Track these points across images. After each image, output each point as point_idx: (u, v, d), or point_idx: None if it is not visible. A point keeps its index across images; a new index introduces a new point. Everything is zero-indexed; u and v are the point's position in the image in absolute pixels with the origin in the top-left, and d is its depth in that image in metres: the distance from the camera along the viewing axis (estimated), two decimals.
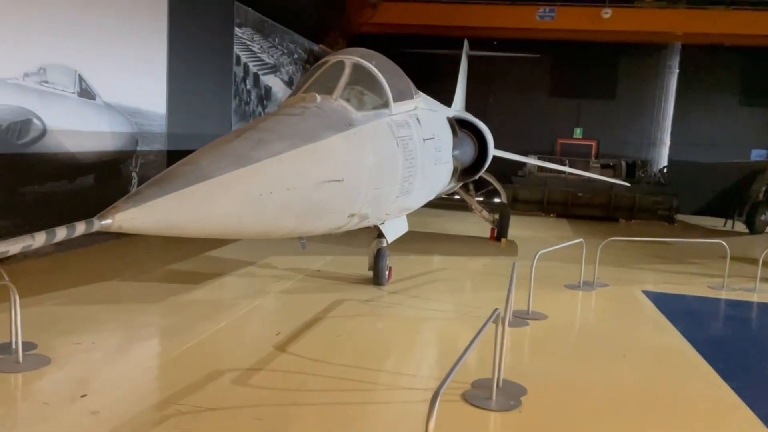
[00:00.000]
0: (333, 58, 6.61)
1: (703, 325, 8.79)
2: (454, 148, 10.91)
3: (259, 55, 17.99)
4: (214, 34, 15.29)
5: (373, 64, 6.71)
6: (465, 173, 11.56)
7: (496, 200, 15.92)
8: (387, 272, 9.58)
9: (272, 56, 18.93)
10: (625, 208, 20.68)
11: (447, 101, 19.64)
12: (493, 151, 12.07)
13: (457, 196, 15.68)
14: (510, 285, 7.87)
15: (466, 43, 21.36)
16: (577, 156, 25.82)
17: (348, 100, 5.99)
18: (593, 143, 27.38)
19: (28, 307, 7.35)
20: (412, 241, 14.33)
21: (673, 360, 6.95)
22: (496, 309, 5.24)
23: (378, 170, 5.81)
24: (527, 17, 22.93)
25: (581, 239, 10.48)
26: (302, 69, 21.31)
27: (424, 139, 7.68)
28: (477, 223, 15.45)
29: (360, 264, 10.18)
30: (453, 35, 21.94)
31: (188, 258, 10.64)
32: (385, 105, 6.61)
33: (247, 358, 6.12)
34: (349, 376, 5.76)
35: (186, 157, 3.90)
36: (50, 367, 5.59)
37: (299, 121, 4.98)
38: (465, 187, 15.50)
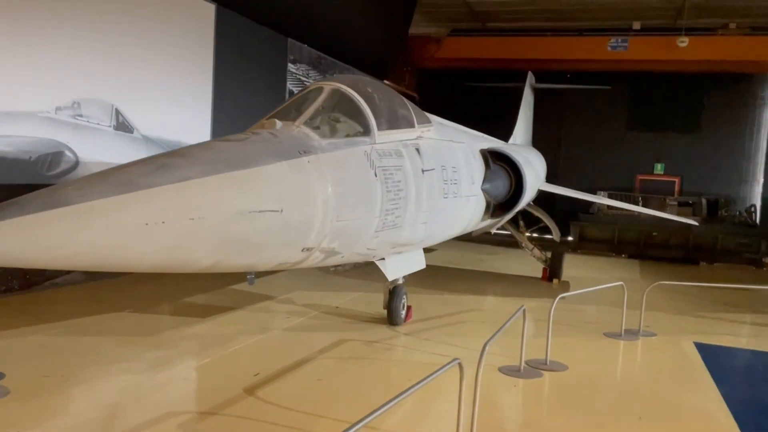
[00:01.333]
0: (314, 85, 6.32)
1: (753, 387, 7.61)
2: (485, 181, 10.29)
3: None
4: (265, 69, 15.50)
5: (356, 90, 6.36)
6: (501, 208, 10.86)
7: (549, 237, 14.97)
8: (404, 312, 9.05)
9: None
10: (706, 249, 19.00)
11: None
12: (532, 186, 11.32)
13: (508, 231, 14.90)
14: (523, 330, 7.19)
15: (529, 75, 20.68)
16: (658, 193, 24.13)
17: (316, 128, 5.65)
18: (676, 179, 25.51)
19: (25, 336, 7.41)
20: (453, 278, 13.76)
21: (699, 426, 5.96)
22: (455, 359, 4.65)
23: (341, 201, 5.39)
24: (598, 48, 21.92)
25: (621, 282, 9.52)
26: None
27: (423, 170, 7.18)
28: (536, 262, 14.55)
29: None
30: (520, 68, 21.28)
31: (211, 290, 10.54)
32: (366, 133, 6.21)
33: (208, 400, 5.78)
34: (308, 428, 5.27)
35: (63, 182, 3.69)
36: (5, 399, 5.47)
37: (236, 147, 4.68)
38: (515, 223, 14.70)
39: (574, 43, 22.27)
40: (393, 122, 6.87)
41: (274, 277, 11.69)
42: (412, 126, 7.37)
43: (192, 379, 6.38)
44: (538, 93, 22.21)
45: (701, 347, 9.02)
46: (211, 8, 13.27)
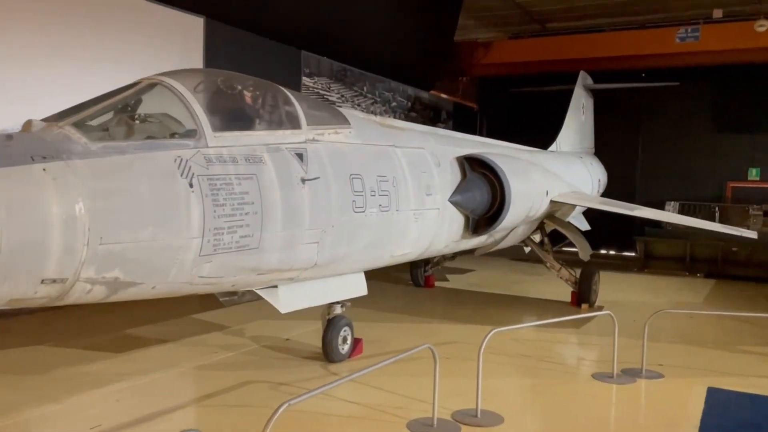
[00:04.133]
0: (144, 80, 5.31)
1: None
2: (456, 192, 8.84)
3: (339, 104, 17.24)
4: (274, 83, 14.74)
5: (184, 84, 5.28)
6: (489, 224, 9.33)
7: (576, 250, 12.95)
8: (346, 346, 7.81)
9: (358, 105, 18.08)
10: None
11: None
12: (525, 196, 9.67)
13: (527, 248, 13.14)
14: (434, 372, 5.74)
15: (581, 75, 18.65)
16: (750, 202, 20.92)
17: (92, 128, 4.65)
18: None
19: None
20: (460, 304, 12.24)
21: None
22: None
23: (108, 219, 4.32)
24: (665, 41, 19.40)
25: (608, 312, 7.73)
26: (404, 116, 20.19)
27: (303, 180, 5.95)
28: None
29: (363, 332, 8.46)
30: (576, 69, 19.23)
31: (163, 321, 9.75)
32: (190, 135, 5.11)
33: None
34: None
35: None
36: None
37: None
38: (538, 240, 12.90)
39: (637, 37, 19.91)
40: (250, 123, 5.74)
41: (245, 306, 10.70)
42: (295, 127, 6.18)
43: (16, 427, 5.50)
44: (605, 96, 20.04)
45: (715, 393, 7.04)
46: (199, 21, 12.76)
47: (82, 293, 4.41)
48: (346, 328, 7.81)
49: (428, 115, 22.00)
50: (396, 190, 7.42)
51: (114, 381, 6.85)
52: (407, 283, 14.12)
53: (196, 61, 12.69)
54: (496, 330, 6.38)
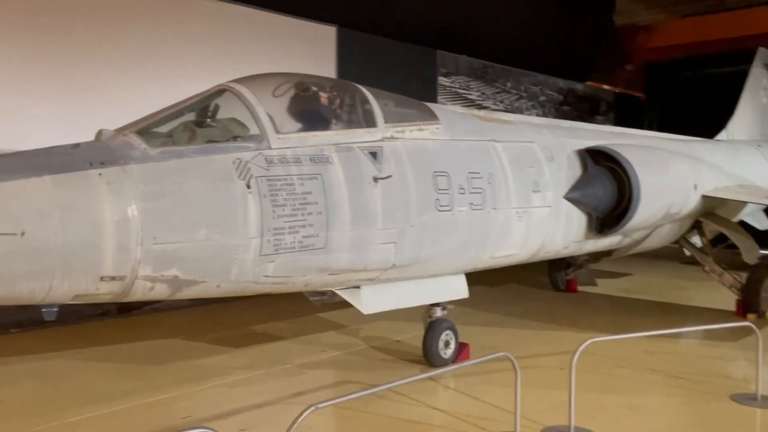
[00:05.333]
0: (215, 87, 5.53)
1: None
2: (573, 188, 8.16)
3: (479, 102, 16.87)
4: (408, 85, 14.77)
5: (250, 88, 5.38)
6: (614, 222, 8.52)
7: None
8: (449, 351, 7.54)
9: (500, 102, 17.54)
10: None
11: None
12: (659, 189, 8.64)
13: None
14: (516, 383, 5.29)
15: (760, 52, 16.31)
16: None
17: (155, 135, 4.88)
18: None
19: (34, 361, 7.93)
20: (602, 311, 11.35)
21: None
22: None
23: (160, 220, 4.51)
24: None
25: (748, 323, 6.62)
26: (555, 111, 19.22)
27: (375, 179, 5.79)
28: None
29: (478, 337, 8.31)
30: (753, 46, 16.92)
31: (287, 318, 10.17)
32: (253, 138, 5.19)
33: None
34: None
35: None
36: None
37: None
38: (694, 240, 11.48)
39: None
40: (318, 124, 5.72)
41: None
42: (370, 126, 6.06)
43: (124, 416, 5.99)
44: None
45: None
46: (332, 30, 13.19)
47: (144, 290, 4.70)
48: (449, 331, 7.51)
49: (584, 108, 20.69)
50: (492, 187, 7.00)
51: (220, 375, 7.23)
52: (548, 288, 13.35)
53: (329, 69, 13.13)
54: (593, 340, 5.73)
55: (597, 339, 5.79)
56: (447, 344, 7.54)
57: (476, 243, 6.97)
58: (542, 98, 19.06)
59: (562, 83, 19.75)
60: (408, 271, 6.46)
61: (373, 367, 7.60)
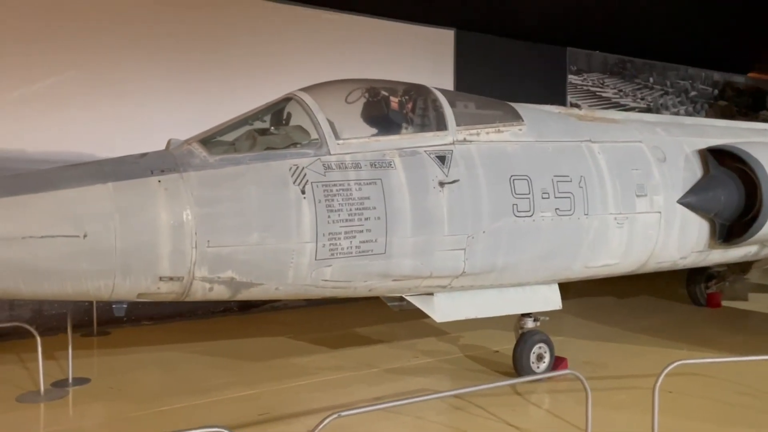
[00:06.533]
0: (283, 96, 5.67)
1: None
2: (690, 192, 7.38)
3: (616, 100, 15.83)
4: (533, 86, 14.27)
5: (313, 96, 5.44)
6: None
7: None
8: (543, 364, 7.17)
9: (641, 99, 16.30)
10: None
11: None
12: None
13: None
14: (586, 404, 4.88)
15: None
16: None
17: (218, 143, 5.08)
18: None
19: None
20: (742, 329, 10.12)
21: None
22: None
23: (214, 224, 4.68)
24: None
25: None
26: (707, 107, 17.50)
27: (442, 183, 5.60)
28: None
29: (585, 352, 8.03)
30: None
31: (392, 321, 10.20)
32: (313, 144, 5.23)
33: None
34: None
35: None
36: None
37: (60, 171, 4.61)
38: None
39: None
40: (382, 128, 5.66)
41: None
42: (440, 129, 5.90)
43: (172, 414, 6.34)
44: None
45: None
46: (450, 34, 13.09)
47: (204, 291, 4.95)
48: (542, 344, 7.11)
49: (745, 102, 18.62)
50: (584, 191, 6.50)
51: (310, 375, 7.43)
52: (688, 301, 12.14)
53: (447, 72, 13.04)
54: (680, 362, 5.11)
55: (689, 361, 5.15)
56: (540, 358, 7.14)
57: (565, 251, 6.52)
58: (693, 93, 17.42)
59: (717, 76, 17.91)
60: (484, 279, 6.20)
61: (462, 376, 7.40)
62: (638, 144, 7.24)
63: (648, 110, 16.32)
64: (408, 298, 6.14)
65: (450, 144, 5.89)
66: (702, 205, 7.33)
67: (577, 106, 15.04)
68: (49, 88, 9.63)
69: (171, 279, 4.72)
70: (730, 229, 7.64)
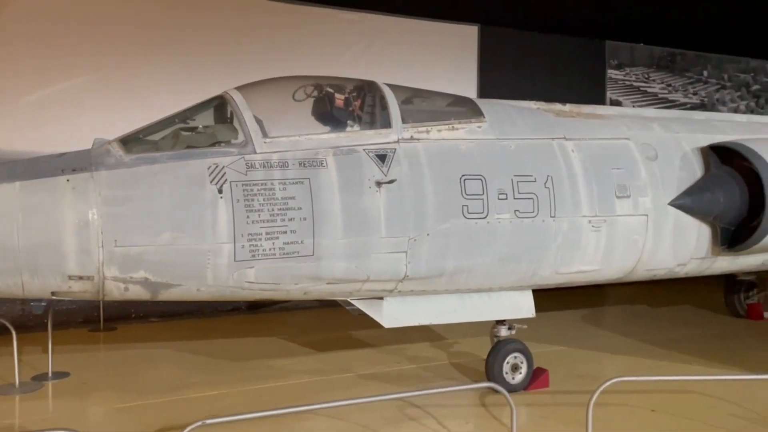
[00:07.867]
0: (216, 95, 5.56)
1: None
2: (685, 193, 6.74)
3: (664, 96, 14.84)
4: (566, 82, 13.56)
5: (243, 94, 5.29)
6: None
7: None
8: (517, 375, 6.74)
9: (694, 95, 15.21)
10: None
11: None
12: None
13: None
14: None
15: None
16: None
17: (139, 141, 5.01)
18: None
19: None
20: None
21: None
22: None
23: (122, 223, 4.61)
24: None
25: None
26: None
27: (379, 183, 5.31)
28: None
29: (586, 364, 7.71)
30: None
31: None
32: (238, 142, 5.08)
33: None
34: None
35: None
36: None
37: None
38: None
39: None
40: (317, 126, 5.46)
41: None
42: (383, 126, 5.62)
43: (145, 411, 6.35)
44: None
45: None
46: (473, 30, 12.66)
47: (120, 291, 4.92)
48: (517, 354, 6.67)
49: None
50: (550, 192, 6.04)
51: (283, 377, 7.31)
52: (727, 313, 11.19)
53: (470, 68, 12.63)
54: (619, 378, 4.62)
55: (626, 378, 4.64)
56: (515, 368, 6.70)
57: (528, 255, 6.07)
58: (755, 87, 16.07)
59: None
60: (434, 284, 5.86)
61: (433, 384, 7.05)
62: (624, 141, 6.66)
63: (702, 106, 15.19)
64: (354, 302, 5.89)
65: (393, 142, 5.61)
66: (698, 207, 6.65)
67: (618, 102, 14.20)
68: (64, 91, 10.03)
69: (81, 278, 4.73)
70: (737, 233, 6.90)
